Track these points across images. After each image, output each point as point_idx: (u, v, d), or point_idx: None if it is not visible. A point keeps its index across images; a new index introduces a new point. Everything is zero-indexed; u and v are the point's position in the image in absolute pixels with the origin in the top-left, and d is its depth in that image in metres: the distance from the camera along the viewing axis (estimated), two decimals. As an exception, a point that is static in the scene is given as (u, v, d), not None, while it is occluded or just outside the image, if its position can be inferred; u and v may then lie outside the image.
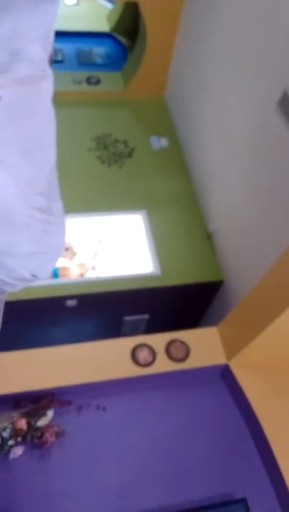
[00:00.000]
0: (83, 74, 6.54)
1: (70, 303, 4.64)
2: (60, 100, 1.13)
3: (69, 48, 6.81)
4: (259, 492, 3.00)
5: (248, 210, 4.24)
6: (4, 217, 1.12)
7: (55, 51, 6.49)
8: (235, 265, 4.65)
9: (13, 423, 2.95)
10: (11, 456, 2.92)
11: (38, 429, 2.98)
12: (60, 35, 6.62)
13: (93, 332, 5.38)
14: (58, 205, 1.30)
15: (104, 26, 7.16)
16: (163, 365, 3.36)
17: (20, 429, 2.94)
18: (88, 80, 6.48)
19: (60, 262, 5.17)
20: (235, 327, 3.43)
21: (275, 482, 3.00)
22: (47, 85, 0.96)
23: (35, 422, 2.99)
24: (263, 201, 3.95)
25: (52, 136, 1.11)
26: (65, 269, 5.27)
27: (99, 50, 6.92)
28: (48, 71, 0.95)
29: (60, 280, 4.92)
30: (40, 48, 0.89)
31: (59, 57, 6.63)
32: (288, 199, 3.53)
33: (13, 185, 1.05)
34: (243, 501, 2.87)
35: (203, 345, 3.50)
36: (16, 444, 2.95)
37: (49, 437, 2.95)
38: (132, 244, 5.33)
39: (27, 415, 3.02)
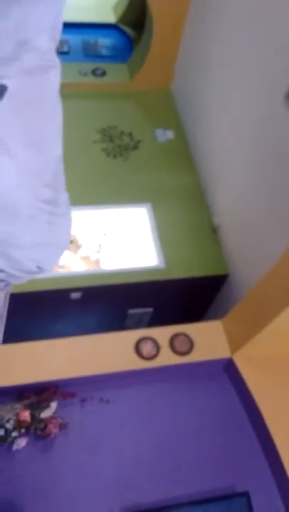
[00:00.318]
0: (89, 65, 6.50)
1: (75, 295, 4.64)
2: (65, 92, 1.13)
3: (75, 39, 6.77)
4: (261, 485, 3.01)
5: (254, 204, 4.23)
6: (10, 208, 1.12)
7: (61, 42, 6.45)
8: (241, 259, 4.63)
9: (16, 414, 2.96)
10: (15, 447, 2.94)
11: (41, 420, 2.99)
12: (66, 26, 6.56)
13: (97, 325, 5.39)
14: (64, 196, 1.29)
15: (110, 17, 7.11)
16: (167, 358, 3.36)
17: (24, 421, 2.95)
18: (94, 72, 6.44)
19: (65, 255, 5.17)
20: (239, 321, 3.43)
21: (278, 475, 3.00)
22: (54, 75, 0.95)
23: (39, 414, 3.00)
24: (269, 195, 3.93)
25: (58, 127, 1.10)
26: (69, 261, 5.27)
27: (105, 42, 6.87)
28: (56, 61, 0.94)
29: (65, 273, 4.92)
30: (47, 39, 0.89)
31: (65, 49, 6.59)
32: (294, 193, 3.51)
33: (19, 176, 1.04)
34: (245, 494, 2.88)
35: (207, 338, 3.49)
36: (20, 435, 2.96)
37: (52, 429, 2.96)
38: (137, 237, 5.32)
39: (31, 407, 3.03)
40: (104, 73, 6.46)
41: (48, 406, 3.05)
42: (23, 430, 2.96)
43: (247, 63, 4.15)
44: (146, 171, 5.53)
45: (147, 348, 3.38)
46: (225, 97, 4.71)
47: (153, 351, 3.37)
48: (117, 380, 3.30)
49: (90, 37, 6.88)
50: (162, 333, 3.47)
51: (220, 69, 4.78)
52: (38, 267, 1.40)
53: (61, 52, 6.47)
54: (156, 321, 5.23)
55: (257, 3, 3.91)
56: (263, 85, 3.89)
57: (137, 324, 5.41)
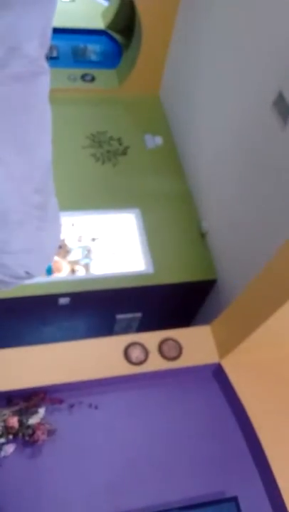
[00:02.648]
0: (78, 71, 6.51)
1: (63, 301, 4.63)
2: (54, 97, 1.13)
3: (64, 44, 6.78)
4: (250, 490, 3.01)
5: (242, 210, 4.25)
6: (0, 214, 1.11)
7: (51, 48, 6.45)
8: (229, 264, 4.66)
9: (4, 421, 2.94)
10: (2, 454, 2.91)
11: (29, 427, 2.97)
12: (56, 31, 6.57)
13: (86, 330, 5.38)
14: (54, 202, 1.29)
15: (99, 24, 7.13)
16: (155, 363, 3.36)
17: (12, 427, 2.93)
18: (83, 77, 6.45)
19: (54, 260, 5.16)
20: (227, 326, 3.44)
21: (266, 480, 3.01)
22: (44, 82, 0.96)
23: (27, 420, 2.98)
24: (256, 201, 3.96)
25: (48, 132, 1.10)
26: (57, 266, 5.26)
27: (94, 48, 6.89)
28: (46, 68, 0.94)
29: (53, 278, 4.90)
30: (37, 45, 0.89)
31: (54, 54, 6.60)
32: (282, 199, 3.54)
33: (9, 182, 1.04)
34: (234, 500, 2.88)
35: (196, 344, 3.50)
36: (8, 441, 2.94)
37: (40, 435, 2.95)
38: (126, 242, 5.32)
39: (19, 413, 3.01)
40: (93, 79, 6.48)
41: (36, 412, 3.03)
42: (10, 436, 2.94)
43: (235, 70, 4.19)
44: (135, 177, 5.54)
45: (136, 353, 3.38)
46: (213, 103, 4.74)
47: (142, 356, 3.37)
48: (105, 386, 3.29)
49: (80, 43, 6.90)
50: (151, 339, 3.47)
51: (208, 75, 4.82)
52: (27, 273, 1.39)
53: (50, 58, 6.48)
54: (145, 326, 5.23)
55: (246, 11, 3.95)
56: (251, 92, 3.92)
57: (126, 329, 5.40)
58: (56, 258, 5.21)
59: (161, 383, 3.40)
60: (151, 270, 4.77)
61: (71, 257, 5.37)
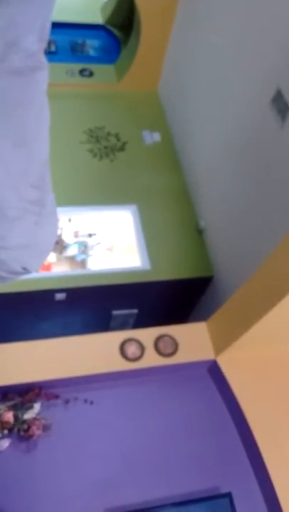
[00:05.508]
0: (76, 66, 6.49)
1: (59, 296, 4.63)
2: (52, 92, 1.13)
3: (63, 39, 6.75)
4: (244, 487, 3.03)
5: (239, 207, 4.25)
6: (-4, 209, 1.11)
7: (49, 42, 6.41)
8: (226, 261, 4.66)
9: (-1, 416, 2.94)
10: (-3, 448, 2.92)
11: (24, 421, 2.97)
12: (54, 26, 6.48)
13: (82, 326, 5.38)
14: (51, 197, 1.29)
15: (98, 18, 7.10)
16: (151, 359, 3.37)
17: (7, 422, 2.92)
18: (81, 72, 6.43)
19: (50, 256, 5.16)
20: (223, 323, 3.44)
21: (260, 477, 3.02)
22: (42, 76, 0.95)
23: (22, 415, 2.98)
24: (254, 198, 3.96)
25: (46, 127, 1.10)
26: (53, 262, 5.25)
27: (93, 43, 6.87)
28: (44, 62, 0.94)
29: (50, 273, 4.90)
30: (36, 40, 0.89)
31: (52, 49, 6.58)
32: (279, 196, 3.54)
33: (6, 177, 1.04)
34: (228, 496, 2.90)
35: (192, 340, 3.50)
36: (3, 436, 2.94)
37: (35, 430, 2.95)
38: (123, 238, 5.32)
39: (14, 408, 3.01)
40: (91, 74, 6.46)
41: (31, 407, 3.03)
42: (6, 431, 2.94)
43: (234, 67, 4.18)
44: (133, 173, 5.53)
45: (132, 350, 3.38)
46: (211, 100, 4.73)
47: (138, 352, 3.37)
48: (101, 381, 3.30)
49: (78, 37, 6.87)
50: (147, 335, 3.47)
51: (207, 72, 4.81)
52: (24, 268, 1.39)
53: (49, 52, 6.46)
54: (141, 322, 5.23)
55: (245, 7, 3.94)
56: (249, 89, 3.92)
57: (122, 326, 5.40)
58: (52, 254, 5.21)
59: (156, 379, 3.41)
60: (147, 266, 4.77)
61: (68, 253, 5.37)
